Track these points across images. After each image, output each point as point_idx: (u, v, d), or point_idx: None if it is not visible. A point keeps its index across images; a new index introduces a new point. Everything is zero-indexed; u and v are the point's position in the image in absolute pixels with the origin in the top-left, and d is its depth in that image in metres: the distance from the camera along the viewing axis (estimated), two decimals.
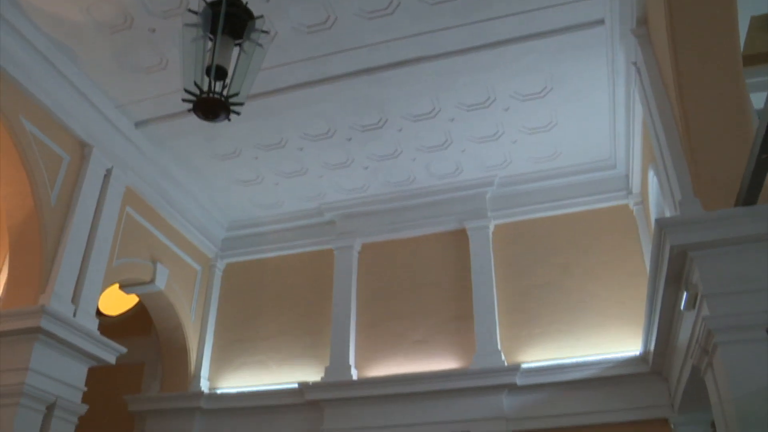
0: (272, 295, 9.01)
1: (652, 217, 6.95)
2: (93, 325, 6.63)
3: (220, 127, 7.19)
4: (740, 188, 4.29)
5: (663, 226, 4.64)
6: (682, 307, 5.01)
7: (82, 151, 6.97)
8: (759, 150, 3.68)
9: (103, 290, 7.06)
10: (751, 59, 5.49)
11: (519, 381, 7.26)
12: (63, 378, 6.23)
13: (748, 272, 4.39)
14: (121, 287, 8.03)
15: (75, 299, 6.53)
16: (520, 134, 7.62)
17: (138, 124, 7.46)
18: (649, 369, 6.88)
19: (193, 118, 6.51)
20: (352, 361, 8.07)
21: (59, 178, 6.64)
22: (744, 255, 4.43)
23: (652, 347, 6.45)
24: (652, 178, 6.59)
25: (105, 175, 7.20)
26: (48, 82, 6.43)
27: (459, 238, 8.46)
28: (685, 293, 4.83)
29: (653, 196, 6.86)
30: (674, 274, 4.92)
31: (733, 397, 4.14)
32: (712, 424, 6.20)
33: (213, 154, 7.98)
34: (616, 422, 6.94)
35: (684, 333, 5.39)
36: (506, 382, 7.27)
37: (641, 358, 6.95)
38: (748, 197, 4.28)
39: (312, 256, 9.08)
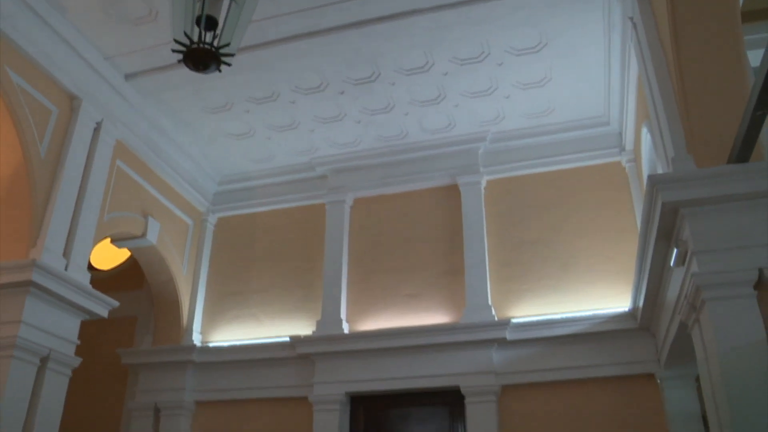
0: (264, 250, 9.03)
1: (645, 174, 6.96)
2: (85, 278, 6.64)
3: (211, 79, 7.09)
4: (734, 145, 4.29)
5: (655, 182, 4.65)
6: (671, 264, 5.05)
7: (71, 103, 6.88)
8: (754, 107, 3.67)
9: (94, 244, 7.04)
10: (750, 16, 5.44)
11: (509, 336, 7.34)
12: (56, 331, 6.26)
13: (739, 229, 4.42)
14: (113, 241, 8.01)
15: (66, 253, 6.52)
16: (513, 89, 7.56)
17: (128, 77, 7.34)
18: (638, 325, 6.95)
19: (184, 71, 6.46)
20: (343, 314, 8.13)
21: (48, 131, 6.56)
22: (735, 212, 4.46)
23: (640, 303, 6.51)
24: (645, 136, 6.58)
25: (95, 129, 7.11)
26: (35, 32, 6.30)
27: (451, 193, 8.46)
28: (674, 250, 4.86)
29: (646, 153, 6.85)
30: (665, 230, 4.94)
31: (719, 352, 4.21)
32: (697, 379, 6.31)
33: (204, 107, 7.90)
34: (604, 377, 7.04)
35: (672, 289, 5.44)
36: (496, 336, 7.34)
37: (630, 314, 7.03)
38: (741, 154, 4.28)
39: (304, 210, 9.07)
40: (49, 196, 6.48)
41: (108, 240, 7.92)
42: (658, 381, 6.80)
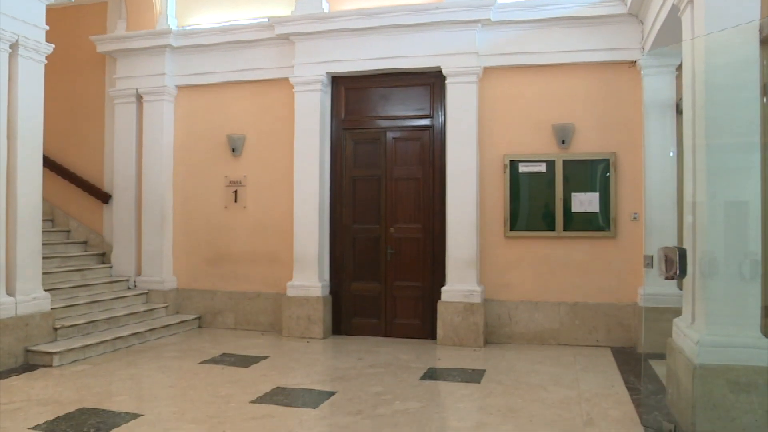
0: None
1: None
2: None
3: None
4: None
5: None
6: None
7: None
8: None
9: None
10: None
11: (493, 16, 7.15)
12: (20, 16, 6.04)
13: None
14: None
15: None
16: None
17: None
18: (627, 11, 6.79)
19: None
20: None
21: None
22: None
23: None
24: None
25: None
26: None
27: None
28: None
29: None
30: None
31: (707, 35, 4.16)
32: (678, 68, 6.32)
33: None
34: (587, 62, 7.08)
35: None
36: (480, 17, 7.15)
37: None
38: None
39: None
40: None
41: None
42: (640, 68, 6.79)
